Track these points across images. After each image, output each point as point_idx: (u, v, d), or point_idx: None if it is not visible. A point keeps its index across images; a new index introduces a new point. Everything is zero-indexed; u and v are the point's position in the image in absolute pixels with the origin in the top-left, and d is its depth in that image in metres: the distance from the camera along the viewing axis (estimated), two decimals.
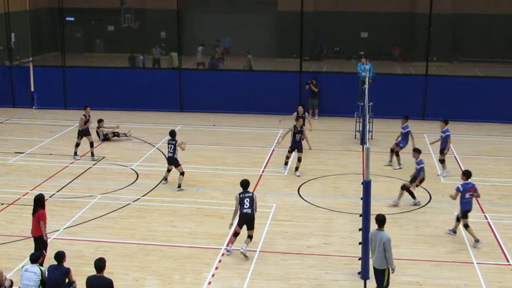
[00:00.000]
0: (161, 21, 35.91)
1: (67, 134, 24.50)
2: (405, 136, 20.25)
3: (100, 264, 10.86)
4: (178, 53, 29.33)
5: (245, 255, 14.03)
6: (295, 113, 21.28)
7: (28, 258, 11.75)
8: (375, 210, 15.19)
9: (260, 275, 13.40)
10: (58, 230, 15.40)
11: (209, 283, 13.05)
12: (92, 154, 21.04)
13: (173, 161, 18.43)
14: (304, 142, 19.91)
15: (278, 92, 27.58)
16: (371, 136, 23.41)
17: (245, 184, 14.34)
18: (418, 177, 17.03)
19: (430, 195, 18.02)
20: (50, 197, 17.19)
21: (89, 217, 16.30)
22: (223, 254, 14.28)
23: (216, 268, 13.66)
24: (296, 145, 19.75)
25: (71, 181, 19.01)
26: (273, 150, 22.52)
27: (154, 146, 22.79)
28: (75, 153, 21.13)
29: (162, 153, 21.75)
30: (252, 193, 14.34)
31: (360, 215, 13.13)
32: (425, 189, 18.39)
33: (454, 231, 15.35)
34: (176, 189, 18.15)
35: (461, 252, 14.51)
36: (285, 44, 35.33)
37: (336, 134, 24.63)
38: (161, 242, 14.94)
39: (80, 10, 36.17)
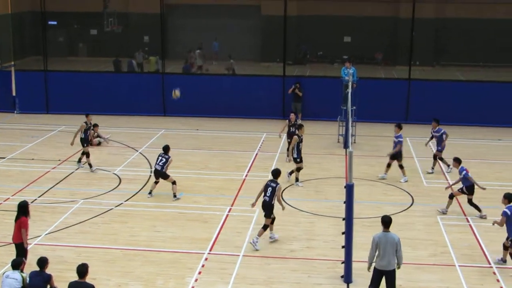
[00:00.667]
0: (145, 25, 35.83)
1: (49, 138, 24.35)
2: (439, 139, 20.45)
3: (82, 269, 10.83)
4: (161, 57, 29.28)
5: (254, 246, 14.65)
6: (287, 120, 21.36)
7: (10, 264, 11.66)
8: (357, 213, 15.30)
9: (244, 279, 13.41)
10: (40, 236, 15.29)
11: (192, 287, 13.05)
12: (79, 161, 20.79)
13: (160, 175, 17.96)
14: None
15: (261, 96, 27.60)
16: (354, 140, 23.51)
17: (275, 173, 15.05)
18: (464, 186, 16.81)
19: (413, 198, 18.14)
20: (32, 202, 17.02)
21: (72, 222, 16.21)
22: (206, 259, 14.27)
23: (199, 273, 13.64)
24: (301, 155, 19.31)
25: (53, 186, 18.89)
26: (256, 154, 22.53)
27: (137, 151, 22.69)
28: (90, 165, 20.22)
29: (145, 157, 21.69)
30: (276, 184, 14.78)
31: (343, 219, 13.20)
32: (407, 192, 18.53)
33: (504, 260, 14.18)
34: (173, 199, 17.89)
35: (443, 255, 14.61)
36: (268, 48, 35.44)
37: (319, 138, 24.70)
38: (144, 247, 14.89)
39: (63, 13, 35.86)
